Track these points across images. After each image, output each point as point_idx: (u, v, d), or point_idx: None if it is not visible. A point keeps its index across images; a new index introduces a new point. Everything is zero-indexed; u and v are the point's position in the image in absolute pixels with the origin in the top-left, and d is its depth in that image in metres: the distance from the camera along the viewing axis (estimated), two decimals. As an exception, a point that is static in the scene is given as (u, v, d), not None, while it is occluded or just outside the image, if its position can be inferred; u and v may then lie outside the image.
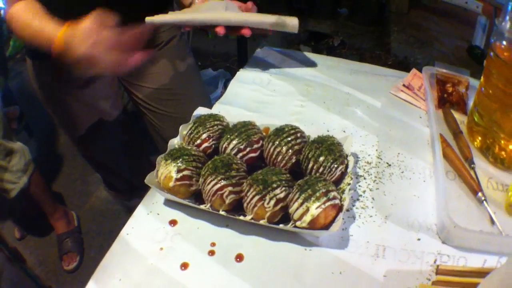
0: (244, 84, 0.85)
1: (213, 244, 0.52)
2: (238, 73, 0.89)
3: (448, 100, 0.84)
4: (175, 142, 0.63)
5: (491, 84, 0.69)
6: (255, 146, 0.60)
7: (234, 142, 0.59)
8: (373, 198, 0.59)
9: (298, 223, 0.50)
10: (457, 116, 0.80)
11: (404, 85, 0.86)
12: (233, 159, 0.57)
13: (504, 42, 0.67)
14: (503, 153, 0.68)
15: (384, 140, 0.71)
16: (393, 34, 3.53)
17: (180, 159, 0.55)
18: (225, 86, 1.89)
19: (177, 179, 0.54)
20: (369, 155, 0.67)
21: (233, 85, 0.86)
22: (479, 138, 0.73)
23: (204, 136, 0.62)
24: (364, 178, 0.62)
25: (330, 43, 3.03)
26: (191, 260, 0.51)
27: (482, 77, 0.73)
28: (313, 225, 0.49)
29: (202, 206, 0.54)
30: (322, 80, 0.87)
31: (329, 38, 3.05)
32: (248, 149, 0.60)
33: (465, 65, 3.46)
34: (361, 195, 0.59)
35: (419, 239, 0.54)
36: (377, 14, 3.78)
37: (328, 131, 0.65)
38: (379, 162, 0.66)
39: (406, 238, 0.54)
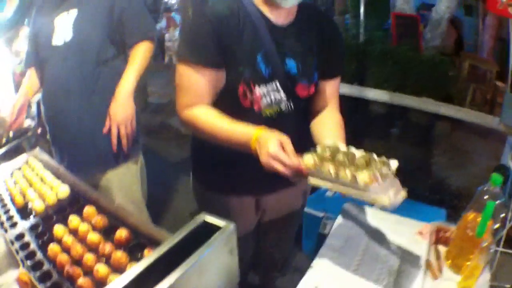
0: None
1: None
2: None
3: (440, 241, 1.65)
4: None
5: (457, 235, 1.46)
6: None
7: None
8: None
9: None
10: (444, 249, 1.60)
11: (418, 232, 1.69)
12: None
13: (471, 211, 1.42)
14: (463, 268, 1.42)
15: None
16: (434, 156, 4.20)
17: None
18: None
19: None
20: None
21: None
22: (450, 260, 1.49)
23: None
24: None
25: (380, 165, 3.81)
26: None
27: (455, 229, 1.53)
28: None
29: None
30: (373, 226, 1.70)
31: (380, 160, 3.84)
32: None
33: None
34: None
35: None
36: (423, 135, 4.45)
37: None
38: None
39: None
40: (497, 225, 1.29)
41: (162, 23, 7.30)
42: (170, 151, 3.75)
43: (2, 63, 3.53)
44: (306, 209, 2.31)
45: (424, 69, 4.58)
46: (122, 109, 1.65)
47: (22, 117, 1.85)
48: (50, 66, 1.68)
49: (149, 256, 0.76)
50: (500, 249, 2.84)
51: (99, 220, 0.96)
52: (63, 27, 1.62)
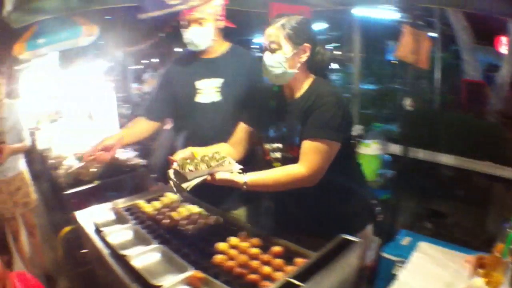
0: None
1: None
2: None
3: (481, 266, 2.04)
4: None
5: (490, 259, 1.82)
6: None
7: None
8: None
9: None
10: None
11: (465, 260, 2.12)
12: None
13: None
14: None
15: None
16: (490, 213, 4.35)
17: None
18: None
19: None
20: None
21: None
22: (486, 278, 1.87)
23: None
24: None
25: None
26: None
27: (490, 256, 1.86)
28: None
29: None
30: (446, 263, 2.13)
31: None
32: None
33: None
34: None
35: None
36: (483, 195, 4.53)
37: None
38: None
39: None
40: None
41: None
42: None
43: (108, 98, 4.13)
44: (383, 254, 2.66)
45: (485, 134, 4.79)
46: None
47: (105, 156, 2.03)
48: (195, 118, 2.12)
49: (304, 262, 1.17)
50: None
51: (255, 240, 1.32)
52: (208, 90, 2.09)
